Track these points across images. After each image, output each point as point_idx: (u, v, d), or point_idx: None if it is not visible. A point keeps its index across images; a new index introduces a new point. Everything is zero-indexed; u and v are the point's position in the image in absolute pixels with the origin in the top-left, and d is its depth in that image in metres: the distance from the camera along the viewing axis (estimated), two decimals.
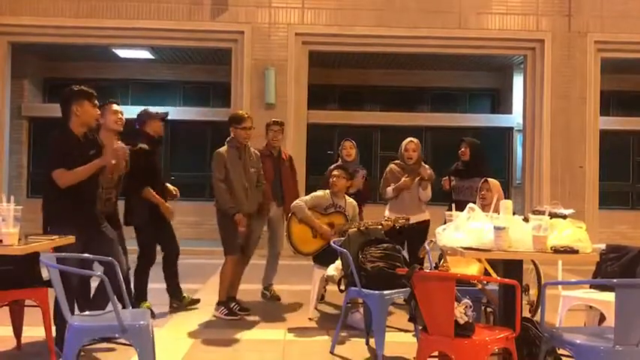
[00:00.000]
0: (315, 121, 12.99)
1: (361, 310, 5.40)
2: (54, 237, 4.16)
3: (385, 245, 5.04)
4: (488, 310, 4.73)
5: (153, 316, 5.47)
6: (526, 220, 3.79)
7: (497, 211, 3.88)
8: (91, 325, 3.58)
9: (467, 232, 3.67)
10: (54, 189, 4.38)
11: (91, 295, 4.67)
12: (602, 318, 4.46)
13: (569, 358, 3.31)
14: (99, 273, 3.42)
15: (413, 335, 4.80)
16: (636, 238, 12.61)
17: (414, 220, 6.14)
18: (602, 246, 4.77)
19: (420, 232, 6.24)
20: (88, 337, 3.60)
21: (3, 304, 4.36)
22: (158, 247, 6.11)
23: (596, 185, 11.63)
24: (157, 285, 6.18)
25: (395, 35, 11.31)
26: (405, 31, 11.29)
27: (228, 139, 5.98)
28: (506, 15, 11.44)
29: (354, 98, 15.17)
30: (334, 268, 5.46)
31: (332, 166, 6.69)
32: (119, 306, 3.59)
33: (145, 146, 5.74)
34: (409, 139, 6.62)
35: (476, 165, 6.61)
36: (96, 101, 4.54)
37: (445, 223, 6.65)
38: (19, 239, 3.83)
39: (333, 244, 5.03)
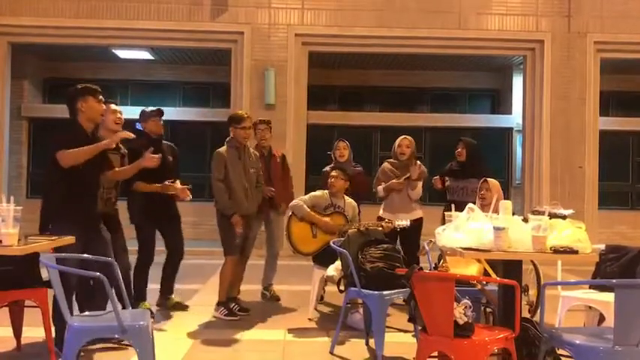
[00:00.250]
0: (315, 121, 12.99)
1: (361, 310, 5.40)
2: (54, 237, 4.16)
3: (385, 246, 5.05)
4: (488, 310, 4.73)
5: (152, 316, 5.47)
6: (525, 220, 3.79)
7: (496, 211, 3.88)
8: (90, 325, 3.58)
9: (466, 232, 3.68)
10: (57, 187, 4.39)
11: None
12: (602, 318, 4.46)
13: (569, 358, 3.31)
14: (98, 273, 3.42)
15: (412, 335, 4.80)
16: (636, 238, 12.61)
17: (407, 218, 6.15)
18: (602, 246, 4.77)
19: (412, 230, 6.22)
20: (88, 337, 3.59)
21: (3, 305, 4.36)
22: (160, 248, 6.11)
23: (596, 185, 11.63)
24: (157, 285, 6.18)
25: (395, 36, 11.31)
26: (405, 32, 11.29)
27: (228, 139, 5.99)
28: (505, 15, 11.45)
29: (353, 99, 15.17)
30: (334, 269, 5.47)
31: (327, 167, 6.73)
32: (119, 306, 3.59)
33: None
34: (404, 136, 6.69)
35: (472, 165, 6.61)
36: (101, 97, 4.58)
37: (442, 222, 6.70)
38: (19, 240, 3.84)
39: (332, 245, 5.03)
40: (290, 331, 5.46)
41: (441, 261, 4.78)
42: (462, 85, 15.15)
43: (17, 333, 4.62)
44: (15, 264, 4.16)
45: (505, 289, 3.67)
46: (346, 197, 6.18)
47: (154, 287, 6.10)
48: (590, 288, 4.71)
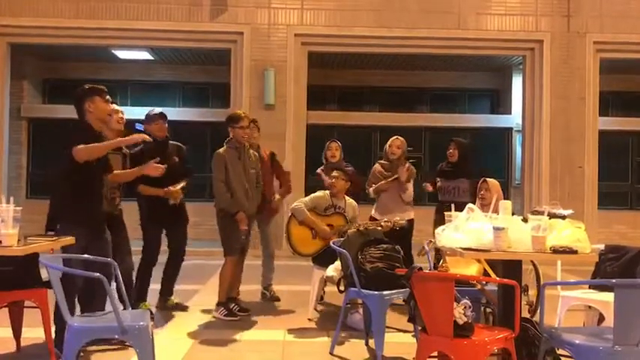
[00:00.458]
0: (315, 121, 13.00)
1: (360, 310, 5.40)
2: (53, 237, 4.16)
3: (384, 246, 5.04)
4: (488, 310, 4.73)
5: (152, 317, 5.48)
6: (525, 220, 3.79)
7: (496, 211, 3.88)
8: (90, 326, 3.58)
9: (466, 232, 3.68)
10: (67, 186, 4.42)
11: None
12: (602, 318, 4.46)
13: (569, 358, 3.32)
14: (97, 274, 3.42)
15: (412, 336, 4.80)
16: (635, 238, 12.62)
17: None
18: (601, 246, 4.77)
19: (403, 231, 6.22)
20: (88, 337, 3.59)
21: (2, 305, 4.35)
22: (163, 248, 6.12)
23: (595, 185, 11.63)
24: (157, 286, 6.18)
25: (394, 36, 11.31)
26: (404, 32, 11.29)
27: (227, 139, 5.99)
28: (505, 15, 11.45)
29: (353, 99, 15.18)
30: (334, 269, 5.47)
31: (318, 170, 6.76)
32: (120, 307, 3.59)
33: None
34: (396, 136, 6.77)
35: (463, 166, 6.71)
36: (107, 97, 4.61)
37: (434, 222, 6.73)
38: (19, 240, 3.84)
39: (332, 245, 5.03)
40: (290, 331, 5.46)
41: (441, 261, 4.78)
42: (461, 85, 15.16)
43: (17, 334, 4.61)
44: (15, 264, 4.17)
45: (505, 289, 3.67)
46: (347, 198, 6.19)
47: (153, 287, 6.09)
48: (589, 288, 4.71)
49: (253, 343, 5.16)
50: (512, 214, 3.87)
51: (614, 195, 14.42)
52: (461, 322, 3.15)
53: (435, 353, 3.51)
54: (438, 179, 6.86)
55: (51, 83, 14.89)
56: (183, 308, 6.20)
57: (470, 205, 3.94)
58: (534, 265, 5.49)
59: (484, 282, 4.43)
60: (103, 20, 11.14)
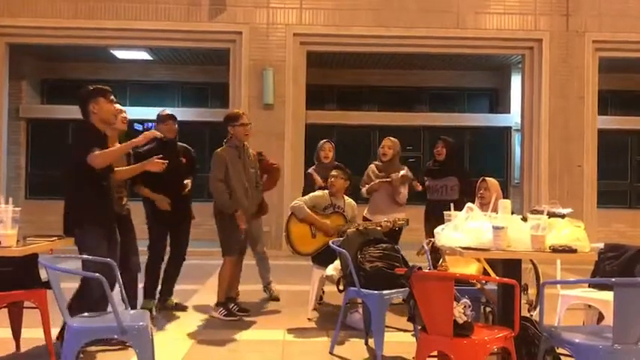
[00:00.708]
0: (314, 121, 13.00)
1: (360, 310, 5.40)
2: (53, 238, 4.16)
3: (384, 245, 5.04)
4: (487, 309, 4.73)
5: (152, 316, 5.48)
6: (524, 219, 3.80)
7: (495, 210, 3.88)
8: (90, 326, 3.57)
9: (465, 231, 3.68)
10: (83, 189, 4.43)
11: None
12: (601, 317, 4.46)
13: (568, 357, 3.32)
14: (97, 275, 3.42)
15: (412, 335, 4.80)
16: (634, 236, 12.62)
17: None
18: (601, 245, 4.77)
19: (393, 231, 6.22)
20: (88, 338, 3.59)
21: (2, 306, 4.35)
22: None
23: (595, 184, 11.64)
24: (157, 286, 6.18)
25: (393, 35, 11.31)
26: (403, 31, 11.29)
27: (226, 139, 5.98)
28: (504, 15, 11.45)
29: (352, 98, 15.18)
30: (333, 268, 5.46)
31: (310, 169, 6.76)
32: (121, 307, 3.59)
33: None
34: (387, 137, 6.79)
35: (451, 164, 6.76)
36: (112, 97, 4.61)
37: (425, 222, 6.72)
38: (18, 241, 3.83)
39: (331, 245, 5.03)
40: (289, 331, 5.46)
41: (440, 260, 4.78)
42: (460, 85, 15.16)
43: (16, 334, 4.61)
44: (14, 265, 4.16)
45: (504, 288, 3.66)
46: (346, 197, 6.18)
47: None
48: (589, 287, 4.71)
49: (253, 343, 5.16)
50: (512, 213, 3.87)
51: (614, 194, 14.42)
52: (460, 321, 3.15)
53: (435, 352, 3.51)
54: (426, 178, 6.90)
55: (49, 83, 14.88)
56: (182, 308, 6.20)
57: (469, 204, 3.94)
58: (534, 264, 5.50)
59: (484, 281, 4.42)
60: (101, 20, 11.14)
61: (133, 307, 5.04)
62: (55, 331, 4.39)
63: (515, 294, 3.32)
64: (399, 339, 5.06)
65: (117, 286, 3.92)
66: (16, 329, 4.60)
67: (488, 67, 14.59)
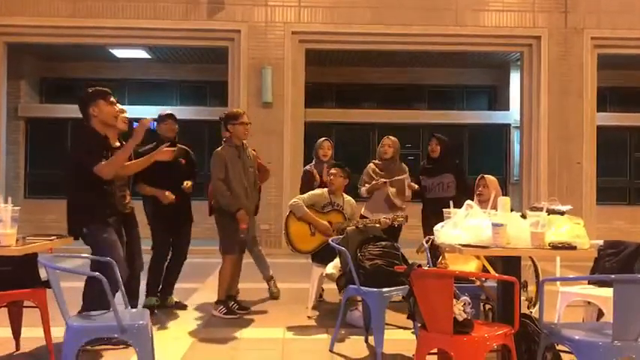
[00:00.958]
0: (313, 119, 12.99)
1: (360, 307, 5.40)
2: (52, 237, 4.16)
3: (383, 243, 5.04)
4: (487, 306, 4.73)
5: (153, 314, 5.48)
6: (524, 216, 3.79)
7: (494, 207, 3.88)
8: (90, 325, 3.57)
9: (465, 229, 3.68)
10: (86, 189, 4.43)
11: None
12: (601, 313, 4.47)
13: (568, 353, 3.32)
14: (97, 274, 3.41)
15: (412, 332, 4.80)
16: (634, 233, 12.64)
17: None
18: (600, 242, 4.77)
19: (392, 229, 6.22)
20: (87, 337, 3.59)
21: (1, 305, 4.35)
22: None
23: (594, 181, 11.65)
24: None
25: (391, 33, 11.31)
26: (402, 29, 11.29)
27: (225, 138, 5.97)
28: (502, 12, 11.45)
29: (351, 96, 15.18)
30: (333, 266, 5.46)
31: (307, 166, 6.75)
32: (122, 306, 3.59)
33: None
34: (387, 136, 6.80)
35: (445, 161, 6.78)
36: (112, 98, 4.61)
37: (423, 220, 6.70)
38: (17, 240, 3.83)
39: (331, 242, 5.03)
40: (289, 329, 5.46)
41: (440, 258, 4.78)
42: (459, 82, 15.16)
43: (16, 334, 4.61)
44: (14, 264, 4.16)
45: (504, 286, 3.66)
46: (345, 195, 6.18)
47: None
48: (588, 283, 4.71)
49: (253, 341, 5.16)
50: (511, 210, 3.87)
51: (613, 190, 14.44)
52: (460, 318, 3.15)
53: (435, 350, 3.52)
54: (422, 177, 6.88)
55: (48, 83, 14.87)
56: (182, 307, 6.20)
57: (468, 201, 3.94)
58: (533, 261, 5.50)
59: (483, 278, 4.42)
60: (100, 19, 11.13)
61: (134, 306, 5.04)
62: (54, 331, 4.39)
63: (515, 291, 3.32)
64: (399, 336, 5.07)
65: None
66: (15, 329, 4.59)
67: (487, 65, 14.58)
